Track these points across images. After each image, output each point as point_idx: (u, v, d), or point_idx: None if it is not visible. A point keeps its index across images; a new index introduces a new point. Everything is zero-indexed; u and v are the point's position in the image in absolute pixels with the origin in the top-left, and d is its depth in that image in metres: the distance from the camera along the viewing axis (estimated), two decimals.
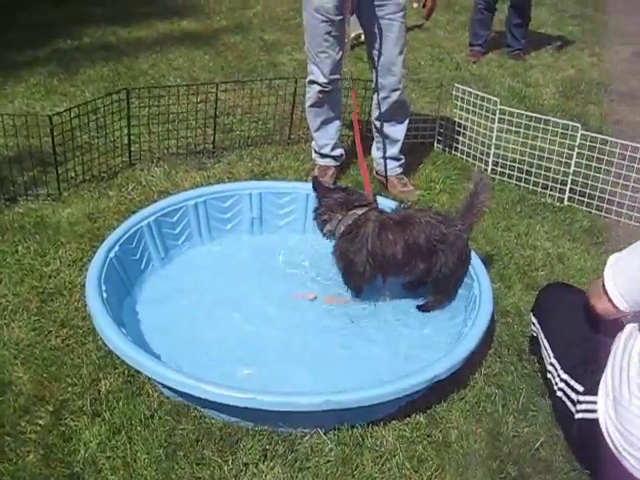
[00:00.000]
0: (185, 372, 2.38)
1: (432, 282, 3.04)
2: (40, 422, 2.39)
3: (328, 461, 2.30)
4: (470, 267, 3.03)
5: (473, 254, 3.10)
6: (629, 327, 2.27)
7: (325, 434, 2.38)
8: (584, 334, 2.52)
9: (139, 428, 2.37)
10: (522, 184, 4.20)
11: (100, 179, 3.94)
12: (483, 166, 4.35)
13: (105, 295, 2.70)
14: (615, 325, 2.53)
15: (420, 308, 3.11)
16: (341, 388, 2.33)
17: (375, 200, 3.13)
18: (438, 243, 2.90)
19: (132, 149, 4.14)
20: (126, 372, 2.59)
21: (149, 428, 2.38)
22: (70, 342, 2.76)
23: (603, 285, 2.25)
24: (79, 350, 2.71)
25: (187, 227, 3.37)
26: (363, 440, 2.38)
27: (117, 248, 2.98)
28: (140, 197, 3.78)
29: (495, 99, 4.22)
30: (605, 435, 2.22)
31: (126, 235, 3.07)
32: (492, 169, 4.32)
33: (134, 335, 2.67)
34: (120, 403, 2.46)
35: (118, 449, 2.30)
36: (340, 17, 3.64)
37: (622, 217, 3.89)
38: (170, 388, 2.41)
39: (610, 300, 2.22)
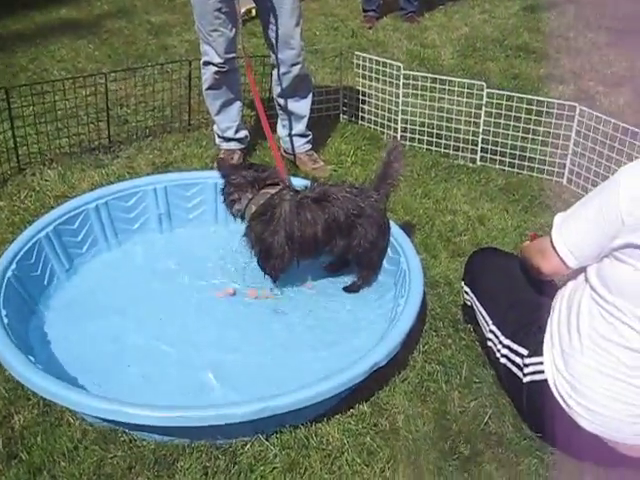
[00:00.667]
0: (106, 396, 2.17)
1: (354, 258, 2.94)
2: None
3: (274, 468, 2.16)
4: (393, 240, 2.93)
5: (395, 226, 3.01)
6: (571, 283, 2.25)
7: (267, 439, 2.23)
8: (520, 297, 2.48)
9: (63, 464, 2.15)
10: (433, 148, 4.14)
11: None
12: (392, 133, 4.26)
13: (6, 320, 2.44)
14: (549, 284, 2.51)
15: (347, 289, 2.99)
16: (276, 390, 2.18)
17: (288, 178, 2.99)
18: (356, 217, 2.79)
19: (20, 152, 3.81)
20: (41, 402, 2.34)
21: (74, 462, 2.16)
22: None
23: (552, 244, 2.19)
24: None
25: (90, 233, 3.11)
26: (308, 440, 2.24)
27: (14, 266, 2.70)
28: (35, 205, 3.48)
29: (398, 64, 4.12)
30: (555, 393, 2.18)
31: (23, 250, 2.79)
32: (401, 135, 4.24)
33: (45, 361, 2.43)
34: (38, 438, 2.23)
35: None
36: None
37: (534, 172, 3.90)
38: (92, 415, 2.20)
39: (561, 258, 2.17)
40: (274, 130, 4.02)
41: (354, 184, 3.00)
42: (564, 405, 2.15)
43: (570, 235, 2.16)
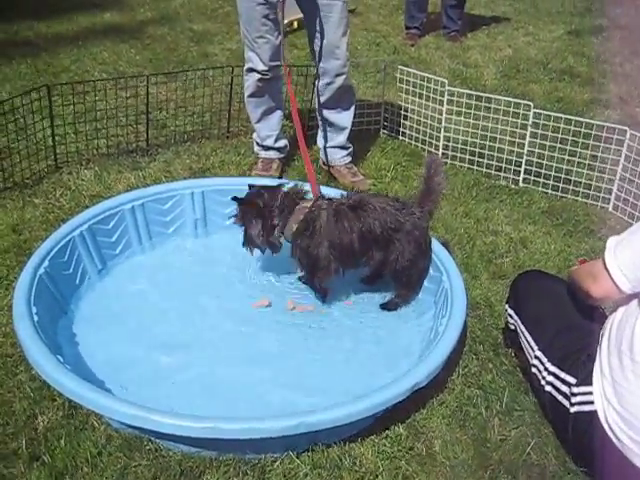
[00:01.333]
0: (135, 402, 2.08)
1: (392, 275, 2.84)
2: None
3: None
4: (435, 258, 2.84)
5: (438, 244, 2.91)
6: (622, 309, 2.12)
7: (298, 457, 2.14)
8: (568, 322, 2.37)
9: (86, 469, 2.07)
10: (475, 167, 4.05)
11: (24, 186, 3.58)
12: (433, 150, 4.18)
13: (36, 318, 2.37)
14: (599, 311, 2.40)
15: (384, 307, 2.89)
16: (313, 407, 2.08)
17: (319, 190, 2.93)
18: (394, 232, 2.70)
19: (58, 151, 3.78)
20: (66, 404, 2.28)
21: (97, 468, 2.08)
22: None
23: (605, 267, 2.09)
24: (10, 383, 2.38)
25: (125, 234, 3.05)
26: (341, 460, 2.14)
27: (47, 263, 2.65)
28: (70, 204, 3.44)
29: (443, 80, 4.04)
30: (604, 425, 2.06)
31: (56, 247, 2.74)
32: (443, 153, 4.15)
33: (73, 361, 2.36)
34: (62, 442, 2.15)
35: None
36: None
37: (579, 196, 3.78)
38: (119, 421, 2.12)
39: (614, 282, 2.06)
40: (314, 141, 3.98)
41: (398, 197, 2.91)
42: (615, 440, 2.03)
43: (625, 258, 2.05)
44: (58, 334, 2.53)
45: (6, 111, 3.59)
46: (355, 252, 2.73)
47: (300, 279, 2.98)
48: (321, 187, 3.03)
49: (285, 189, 2.85)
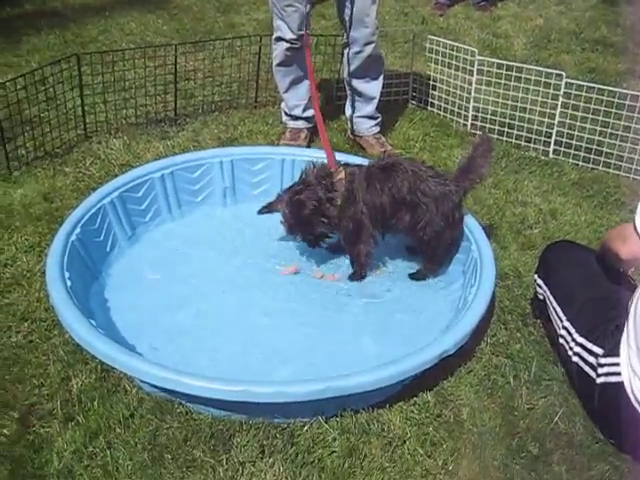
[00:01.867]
0: (166, 365, 2.12)
1: (419, 245, 2.84)
2: (5, 431, 2.11)
3: (333, 452, 2.08)
4: (465, 227, 2.82)
5: (468, 214, 2.90)
6: None
7: (327, 422, 2.16)
8: (598, 293, 2.36)
9: (119, 430, 2.12)
10: (504, 138, 3.99)
11: (54, 155, 3.61)
12: (462, 121, 4.14)
13: (69, 283, 2.41)
14: (628, 282, 2.38)
15: (412, 276, 2.90)
16: (340, 372, 2.10)
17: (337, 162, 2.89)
18: (422, 196, 2.69)
19: (87, 120, 3.81)
20: (99, 367, 2.32)
21: (130, 430, 2.12)
22: (33, 338, 2.47)
23: (635, 228, 2.09)
24: (44, 346, 2.43)
25: (154, 202, 3.08)
26: (369, 426, 2.16)
27: (78, 230, 2.69)
28: (100, 172, 3.47)
29: (473, 49, 3.99)
30: (631, 397, 2.06)
31: (87, 215, 2.78)
32: (472, 124, 4.11)
33: (105, 326, 2.40)
34: (95, 403, 2.20)
35: (97, 456, 2.04)
36: None
37: (611, 168, 3.72)
38: (150, 383, 2.15)
39: None
40: (342, 111, 3.96)
41: (434, 167, 2.90)
42: None
43: None
44: (90, 299, 2.57)
45: (36, 81, 3.61)
46: (386, 213, 2.73)
47: (329, 248, 2.98)
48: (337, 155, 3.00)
49: (309, 174, 2.80)
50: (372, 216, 2.73)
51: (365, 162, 2.86)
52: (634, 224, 2.10)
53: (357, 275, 2.86)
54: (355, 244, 2.81)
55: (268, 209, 2.89)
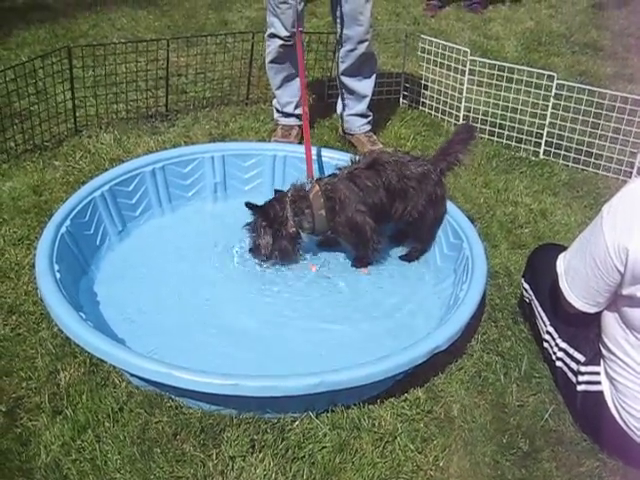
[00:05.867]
0: (155, 358, 2.10)
1: (407, 227, 2.90)
2: None
3: (323, 447, 2.07)
4: (456, 226, 2.83)
5: (459, 212, 2.91)
6: None
7: (317, 417, 2.15)
8: None
9: (107, 424, 2.09)
10: (495, 138, 4.01)
11: (44, 148, 3.58)
12: (453, 121, 4.14)
13: (58, 275, 2.39)
14: None
15: (402, 258, 2.97)
16: (334, 367, 2.09)
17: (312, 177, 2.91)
18: (408, 180, 2.75)
19: (77, 114, 3.78)
20: (88, 361, 2.30)
21: (119, 424, 2.10)
22: (21, 330, 2.44)
23: (565, 299, 2.12)
24: (32, 339, 2.40)
25: (145, 196, 3.06)
26: (360, 421, 2.15)
27: (68, 222, 2.66)
28: (90, 166, 3.44)
29: (465, 49, 4.00)
30: (611, 407, 2.07)
31: (78, 207, 2.75)
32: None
33: (94, 318, 2.38)
34: (83, 397, 2.17)
35: (85, 450, 2.02)
36: None
37: (600, 169, 3.74)
38: (140, 377, 2.13)
39: (578, 309, 2.11)
40: (334, 109, 3.96)
41: (407, 152, 2.97)
42: (620, 421, 2.04)
43: (580, 290, 2.07)
44: (79, 293, 2.55)
45: (26, 73, 3.58)
46: (385, 207, 2.76)
47: (320, 244, 2.98)
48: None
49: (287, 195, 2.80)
50: (373, 214, 2.73)
51: (335, 171, 2.85)
52: (562, 294, 2.13)
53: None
54: (364, 245, 2.81)
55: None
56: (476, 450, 2.11)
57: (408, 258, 2.95)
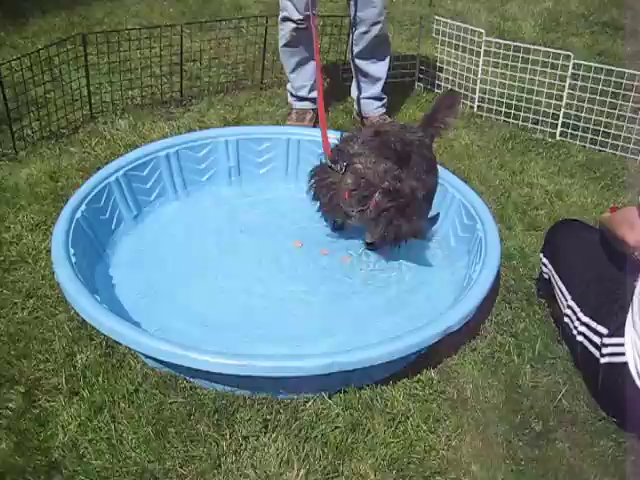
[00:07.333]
0: (169, 340, 2.12)
1: None
2: (11, 405, 2.12)
3: (336, 427, 2.09)
4: (470, 207, 2.82)
5: (473, 193, 2.91)
6: None
7: (330, 398, 2.16)
8: (603, 273, 2.34)
9: (123, 405, 2.12)
10: (511, 120, 3.98)
11: (60, 135, 3.61)
12: (469, 103, 4.11)
13: (74, 259, 2.42)
14: (632, 261, 2.36)
15: None
16: (346, 347, 2.10)
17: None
18: (408, 145, 2.73)
19: (93, 101, 3.80)
20: (104, 343, 2.33)
21: (134, 404, 2.13)
22: (39, 314, 2.48)
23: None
24: (49, 322, 2.44)
25: (159, 181, 3.07)
26: (372, 402, 2.16)
27: (84, 207, 2.69)
28: (105, 152, 3.47)
29: (481, 30, 3.96)
30: (635, 376, 2.05)
31: (93, 192, 2.78)
32: (478, 106, 4.09)
33: (109, 302, 2.41)
34: (100, 378, 2.21)
35: (101, 430, 2.05)
36: None
37: (618, 150, 3.70)
38: (155, 358, 2.16)
39: None
40: (348, 92, 3.95)
41: (395, 122, 3.00)
42: None
43: None
44: (95, 277, 2.58)
45: (41, 61, 3.60)
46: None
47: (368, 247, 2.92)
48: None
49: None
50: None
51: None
52: (639, 208, 2.08)
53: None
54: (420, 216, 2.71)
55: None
56: (489, 430, 2.12)
57: None
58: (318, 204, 2.84)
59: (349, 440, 2.05)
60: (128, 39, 4.00)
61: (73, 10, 5.38)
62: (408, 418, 2.13)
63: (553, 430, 2.14)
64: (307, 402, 2.16)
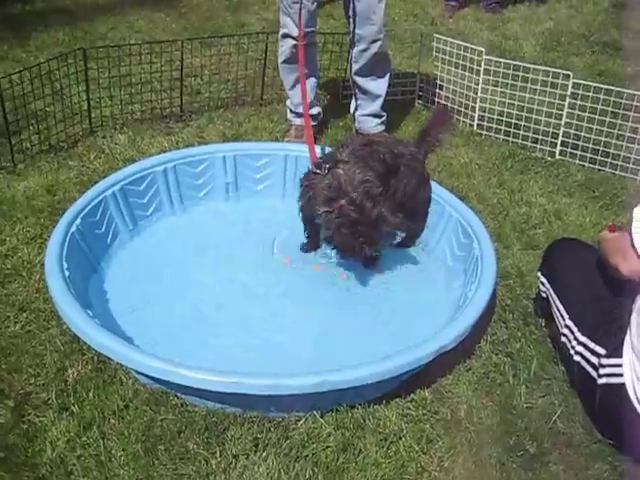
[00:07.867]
0: (161, 356, 2.11)
1: (401, 210, 2.78)
2: None
3: (327, 447, 2.06)
4: (467, 226, 2.81)
5: (470, 211, 2.92)
6: None
7: (322, 417, 2.14)
8: (600, 292, 2.32)
9: (113, 421, 2.11)
10: (510, 139, 3.97)
11: (59, 149, 3.62)
12: (468, 121, 4.12)
13: (67, 273, 2.41)
14: (630, 281, 2.34)
15: (399, 244, 2.99)
16: (337, 365, 2.08)
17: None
18: (399, 158, 2.77)
19: (92, 115, 3.81)
20: (95, 358, 2.32)
21: (124, 421, 2.11)
22: (31, 328, 2.47)
23: (632, 244, 2.04)
24: (41, 336, 2.43)
25: (156, 195, 3.07)
26: (364, 421, 2.14)
27: (79, 221, 2.69)
28: (104, 166, 3.47)
29: (480, 49, 3.97)
30: (633, 398, 2.03)
31: (89, 206, 2.78)
32: (478, 124, 4.09)
33: (102, 317, 2.39)
34: (90, 394, 2.19)
35: (90, 446, 2.03)
36: None
37: (617, 170, 3.69)
38: (146, 375, 2.14)
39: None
40: (347, 109, 3.95)
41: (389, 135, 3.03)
42: None
43: None
44: (88, 291, 2.57)
45: (42, 74, 3.62)
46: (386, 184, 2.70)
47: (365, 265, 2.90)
48: None
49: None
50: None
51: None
52: (632, 241, 2.06)
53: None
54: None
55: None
56: (482, 452, 2.09)
57: (404, 245, 2.97)
58: (299, 205, 2.82)
59: (340, 460, 2.02)
60: (129, 54, 4.02)
61: (76, 25, 5.41)
62: (400, 438, 2.11)
63: (547, 452, 2.11)
64: (298, 421, 2.14)
